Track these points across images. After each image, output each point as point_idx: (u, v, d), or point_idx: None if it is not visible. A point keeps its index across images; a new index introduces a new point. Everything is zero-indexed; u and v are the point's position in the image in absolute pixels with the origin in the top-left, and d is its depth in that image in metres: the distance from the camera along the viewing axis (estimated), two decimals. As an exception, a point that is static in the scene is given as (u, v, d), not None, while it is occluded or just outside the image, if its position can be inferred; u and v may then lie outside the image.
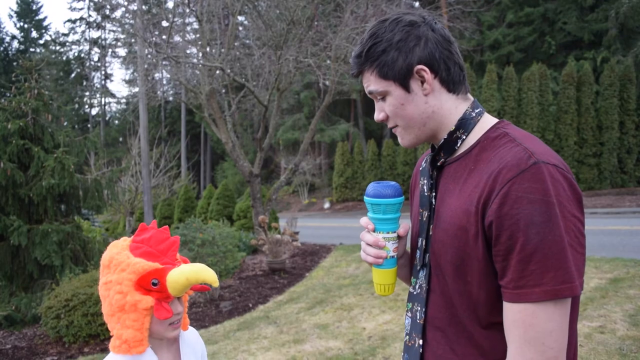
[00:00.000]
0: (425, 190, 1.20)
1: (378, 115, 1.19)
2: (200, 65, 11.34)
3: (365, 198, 1.20)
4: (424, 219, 1.19)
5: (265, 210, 11.43)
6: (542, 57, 24.43)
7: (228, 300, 7.38)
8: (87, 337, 5.62)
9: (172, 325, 1.32)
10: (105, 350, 5.43)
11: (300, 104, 29.60)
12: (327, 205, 26.79)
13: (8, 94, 8.24)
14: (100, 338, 5.68)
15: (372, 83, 1.15)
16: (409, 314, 1.24)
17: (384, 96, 1.15)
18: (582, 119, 19.48)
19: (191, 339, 1.48)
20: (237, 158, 11.33)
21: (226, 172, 34.40)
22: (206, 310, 6.97)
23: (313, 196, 30.17)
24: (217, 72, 11.55)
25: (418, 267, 1.21)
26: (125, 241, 1.33)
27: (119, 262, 1.26)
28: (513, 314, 0.97)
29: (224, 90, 13.78)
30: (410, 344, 1.22)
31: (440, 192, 1.15)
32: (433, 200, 1.17)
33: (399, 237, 1.22)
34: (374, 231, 1.20)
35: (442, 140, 1.15)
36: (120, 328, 1.25)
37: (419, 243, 1.21)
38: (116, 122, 47.63)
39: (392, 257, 1.21)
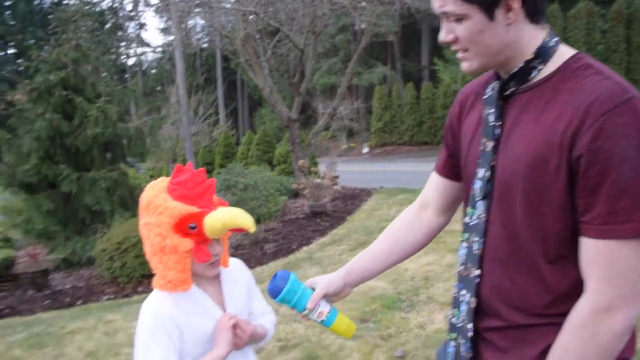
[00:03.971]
0: (491, 120, 1.13)
1: (446, 37, 1.08)
2: (233, 10, 11.18)
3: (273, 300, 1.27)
4: (488, 149, 1.13)
5: (305, 155, 11.48)
6: (590, -9, 22.99)
7: (272, 242, 7.55)
8: (140, 277, 5.87)
9: (211, 264, 1.34)
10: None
11: (336, 47, 29.02)
12: (365, 149, 26.65)
13: (47, 47, 8.31)
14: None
15: (449, 3, 1.02)
16: (465, 244, 1.21)
17: (460, 19, 1.04)
18: (632, 58, 18.43)
19: (233, 271, 1.50)
20: (275, 103, 11.31)
21: (264, 118, 34.39)
22: (251, 251, 7.16)
23: (352, 141, 29.99)
24: (251, 16, 11.37)
25: (477, 198, 1.16)
26: (162, 182, 1.32)
27: (157, 205, 1.26)
28: (597, 249, 0.95)
29: (258, 36, 13.61)
30: (465, 274, 1.20)
31: (510, 122, 1.09)
32: (498, 130, 1.11)
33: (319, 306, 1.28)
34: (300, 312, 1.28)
35: (517, 68, 1.07)
36: (163, 269, 1.28)
37: (481, 174, 1.15)
38: (153, 71, 47.91)
39: (327, 315, 1.28)
